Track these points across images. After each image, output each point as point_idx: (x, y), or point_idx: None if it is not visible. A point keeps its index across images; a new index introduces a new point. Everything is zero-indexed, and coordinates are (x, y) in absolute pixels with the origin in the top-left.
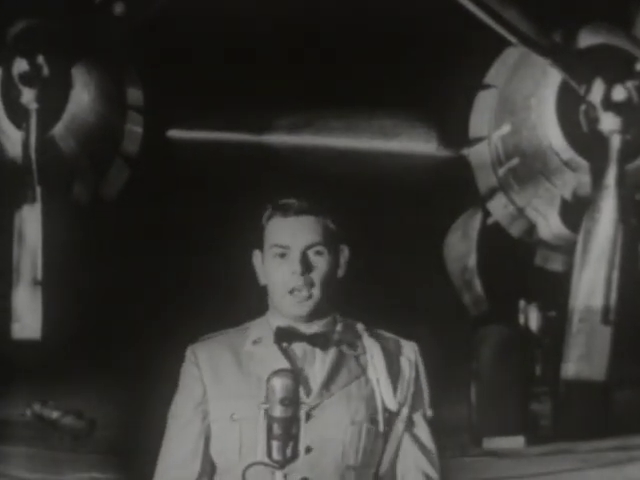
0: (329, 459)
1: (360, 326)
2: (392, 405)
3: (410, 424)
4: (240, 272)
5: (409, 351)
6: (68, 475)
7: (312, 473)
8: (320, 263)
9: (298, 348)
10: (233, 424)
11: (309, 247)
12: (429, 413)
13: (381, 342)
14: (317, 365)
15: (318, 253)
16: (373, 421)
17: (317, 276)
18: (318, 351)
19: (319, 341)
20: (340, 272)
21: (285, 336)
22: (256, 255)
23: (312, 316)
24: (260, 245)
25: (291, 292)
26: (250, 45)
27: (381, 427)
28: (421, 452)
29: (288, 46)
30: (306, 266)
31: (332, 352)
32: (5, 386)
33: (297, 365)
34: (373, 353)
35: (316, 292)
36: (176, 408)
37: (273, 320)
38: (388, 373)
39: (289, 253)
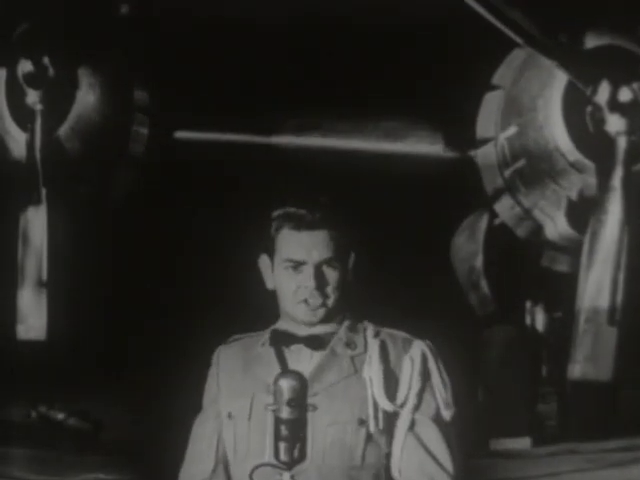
0: (311, 457)
1: (368, 325)
2: (386, 405)
3: (413, 424)
4: (249, 275)
5: (415, 350)
6: (73, 477)
7: (296, 470)
8: (333, 276)
9: (295, 349)
10: (229, 422)
11: (323, 262)
12: (446, 413)
13: (386, 341)
14: (306, 365)
15: (332, 267)
16: (361, 422)
17: (330, 289)
18: (311, 352)
19: (313, 342)
20: (349, 277)
21: (280, 339)
22: (263, 259)
23: (323, 321)
24: (268, 251)
25: (304, 302)
26: (258, 46)
27: (372, 427)
28: (426, 454)
29: (296, 47)
30: (320, 281)
31: (322, 352)
32: (10, 387)
33: (288, 366)
34: (372, 353)
35: (329, 302)
36: (203, 404)
37: (283, 322)
38: (386, 372)
39: (303, 268)
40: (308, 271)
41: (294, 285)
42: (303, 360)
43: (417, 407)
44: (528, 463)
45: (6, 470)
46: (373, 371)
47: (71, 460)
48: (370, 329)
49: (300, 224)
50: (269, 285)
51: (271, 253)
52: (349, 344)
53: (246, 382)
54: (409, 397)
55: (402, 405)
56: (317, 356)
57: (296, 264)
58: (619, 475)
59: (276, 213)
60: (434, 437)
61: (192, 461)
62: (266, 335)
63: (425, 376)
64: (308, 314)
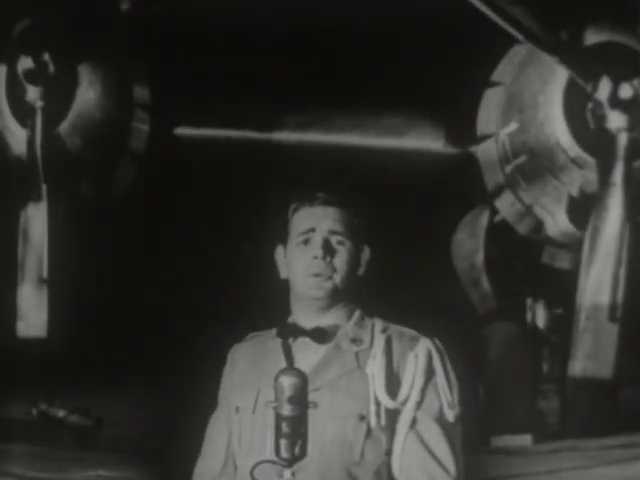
0: (311, 453)
1: (376, 322)
2: (386, 401)
3: (414, 422)
4: (251, 270)
5: (421, 347)
6: (74, 473)
7: (297, 467)
8: (342, 251)
9: (300, 343)
10: (236, 416)
11: (332, 232)
12: (449, 412)
13: (392, 337)
14: (312, 359)
15: (340, 243)
16: (362, 417)
17: (339, 263)
18: (316, 345)
19: (318, 336)
20: (360, 270)
21: (287, 331)
22: (279, 250)
23: (330, 300)
24: (283, 239)
25: (313, 275)
26: (259, 43)
27: (373, 423)
28: (427, 452)
29: (296, 44)
30: (328, 250)
31: (326, 346)
32: (10, 385)
33: (293, 360)
34: (377, 348)
35: (337, 277)
36: (218, 401)
37: (292, 317)
38: (389, 369)
39: (312, 238)
40: (317, 240)
41: (304, 259)
42: (309, 354)
43: (419, 405)
44: (529, 460)
45: (7, 467)
46: (376, 367)
47: (72, 457)
48: (378, 325)
49: (314, 202)
50: (282, 274)
51: (285, 239)
52: (355, 340)
53: (254, 376)
54: (411, 394)
55: (404, 402)
56: (322, 350)
57: (307, 235)
58: (620, 472)
59: (294, 202)
60: (436, 436)
61: (205, 456)
62: (275, 329)
63: (429, 374)
64: (314, 288)
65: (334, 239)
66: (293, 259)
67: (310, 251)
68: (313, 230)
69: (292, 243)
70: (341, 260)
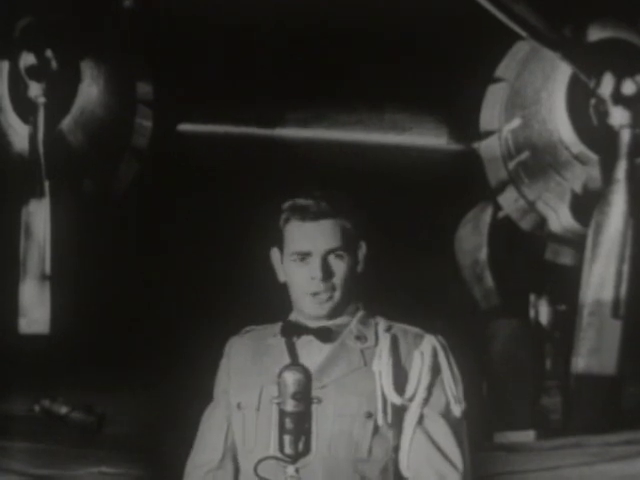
0: (317, 450)
1: (380, 320)
2: (395, 398)
3: (421, 419)
4: (254, 268)
5: (426, 344)
6: (77, 470)
7: (301, 463)
8: (340, 267)
9: (304, 341)
10: (238, 413)
11: (330, 252)
12: (456, 408)
13: (397, 335)
14: (316, 357)
15: (338, 257)
16: (369, 415)
17: (338, 280)
18: (319, 343)
19: (323, 334)
20: (359, 268)
21: (291, 329)
22: (274, 252)
23: (332, 315)
24: (278, 243)
25: (312, 295)
26: (262, 39)
27: (380, 421)
28: (435, 449)
29: (300, 40)
30: (326, 272)
31: (332, 344)
32: (12, 381)
33: (298, 358)
34: (383, 346)
35: (337, 295)
36: (214, 395)
37: (295, 314)
38: (396, 366)
39: (310, 259)
40: (315, 262)
41: (302, 277)
42: (313, 352)
43: (426, 401)
44: (532, 456)
45: (9, 464)
46: (383, 364)
47: (74, 454)
48: (382, 323)
49: (305, 215)
50: (280, 278)
51: (280, 245)
52: (360, 337)
53: (256, 373)
54: (418, 391)
55: (411, 399)
56: (327, 348)
57: (302, 256)
58: (622, 468)
59: (285, 205)
60: (443, 432)
61: (200, 450)
62: (278, 326)
63: (435, 371)
64: (316, 307)
65: (332, 256)
66: (289, 272)
67: (307, 271)
68: (309, 254)
69: (288, 258)
70: (340, 277)
